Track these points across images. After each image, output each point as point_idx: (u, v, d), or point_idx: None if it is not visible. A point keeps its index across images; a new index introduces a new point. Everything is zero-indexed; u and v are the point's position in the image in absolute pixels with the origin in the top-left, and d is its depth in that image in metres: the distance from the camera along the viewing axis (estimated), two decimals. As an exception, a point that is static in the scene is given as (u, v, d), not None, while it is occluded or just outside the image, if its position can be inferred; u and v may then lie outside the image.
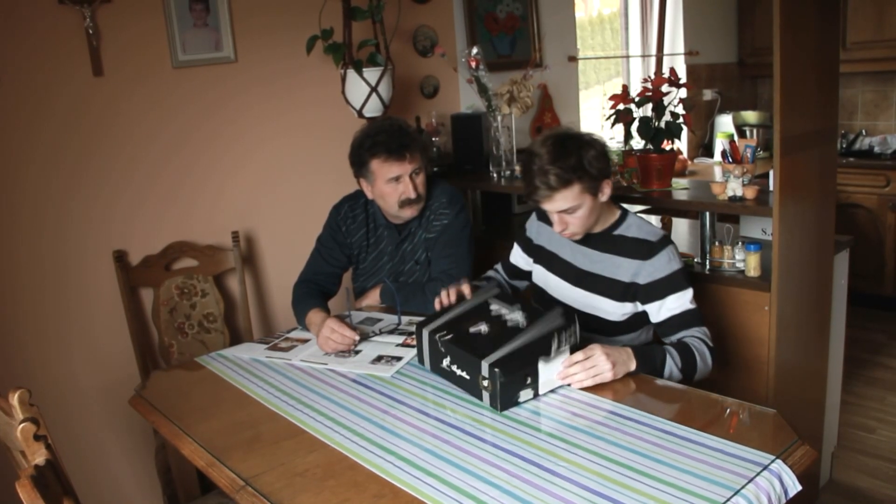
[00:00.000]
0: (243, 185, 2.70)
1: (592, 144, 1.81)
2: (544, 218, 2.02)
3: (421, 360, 1.78)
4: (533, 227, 2.10)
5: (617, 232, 1.91)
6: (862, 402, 3.19)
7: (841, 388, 2.64)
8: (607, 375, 1.61)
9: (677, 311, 1.80)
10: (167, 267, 2.54)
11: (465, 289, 1.89)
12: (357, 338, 1.89)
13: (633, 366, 1.66)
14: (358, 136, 2.16)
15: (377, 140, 2.08)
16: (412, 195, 2.12)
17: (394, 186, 2.11)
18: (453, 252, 2.19)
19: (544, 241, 2.06)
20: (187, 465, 1.82)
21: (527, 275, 2.16)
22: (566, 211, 1.81)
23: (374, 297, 2.26)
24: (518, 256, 2.16)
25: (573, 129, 1.88)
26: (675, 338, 1.80)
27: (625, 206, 1.99)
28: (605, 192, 1.84)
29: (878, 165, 4.12)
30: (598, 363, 1.61)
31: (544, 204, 1.81)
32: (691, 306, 1.81)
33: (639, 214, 2.03)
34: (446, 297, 1.87)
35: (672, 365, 1.70)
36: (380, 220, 2.29)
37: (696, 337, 1.77)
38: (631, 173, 2.58)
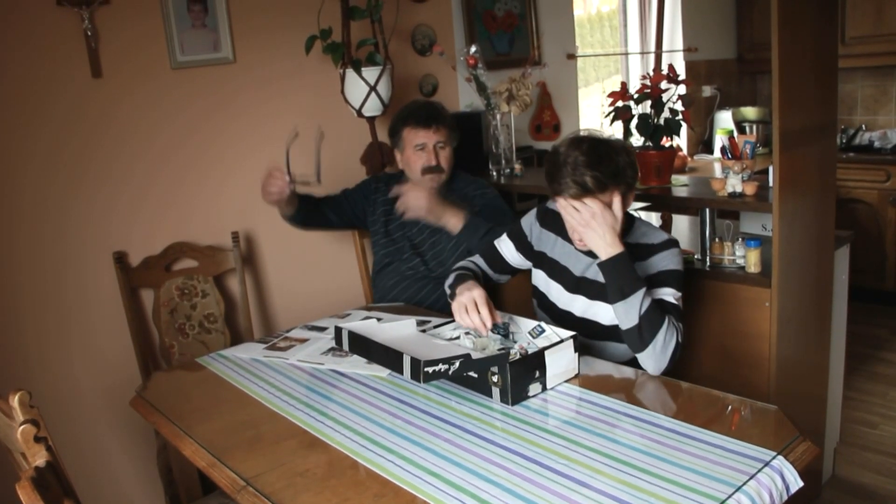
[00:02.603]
0: (243, 186, 2.69)
1: (627, 152, 1.77)
2: (548, 225, 1.99)
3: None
4: (534, 233, 2.04)
5: (624, 240, 1.82)
6: (864, 398, 3.18)
7: (843, 383, 2.63)
8: (593, 225, 1.69)
9: (661, 298, 1.74)
10: (167, 268, 2.54)
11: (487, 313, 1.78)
12: (286, 189, 2.21)
13: (615, 245, 1.70)
14: (397, 112, 2.48)
15: (411, 113, 2.42)
16: (433, 162, 2.39)
17: (419, 154, 2.39)
18: (501, 221, 2.31)
19: (546, 248, 2.01)
20: (189, 465, 1.83)
21: (513, 270, 2.11)
22: None
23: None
24: (511, 253, 2.08)
25: (601, 132, 1.83)
26: None
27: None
28: (629, 203, 1.81)
29: (878, 160, 4.11)
30: (597, 217, 1.68)
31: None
32: (675, 302, 1.76)
33: (640, 213, 2.02)
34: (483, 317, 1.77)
35: (638, 303, 1.65)
36: None
37: (673, 323, 1.71)
38: (630, 170, 2.57)
